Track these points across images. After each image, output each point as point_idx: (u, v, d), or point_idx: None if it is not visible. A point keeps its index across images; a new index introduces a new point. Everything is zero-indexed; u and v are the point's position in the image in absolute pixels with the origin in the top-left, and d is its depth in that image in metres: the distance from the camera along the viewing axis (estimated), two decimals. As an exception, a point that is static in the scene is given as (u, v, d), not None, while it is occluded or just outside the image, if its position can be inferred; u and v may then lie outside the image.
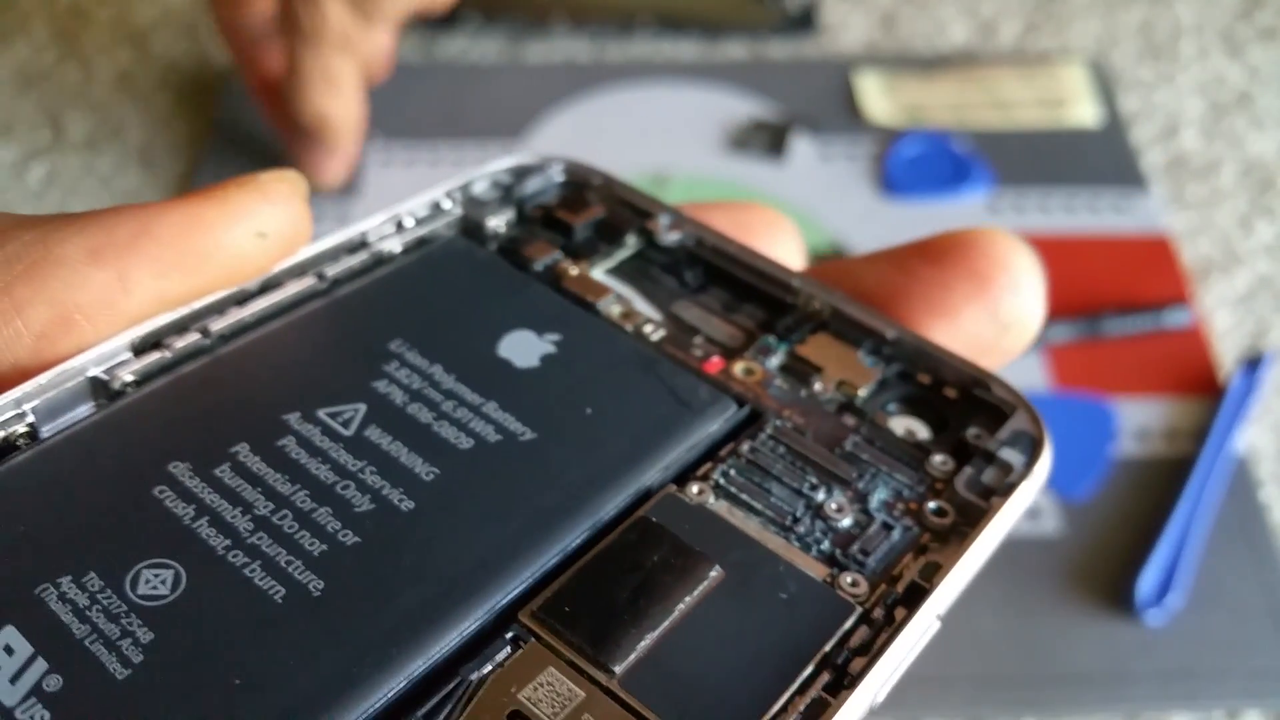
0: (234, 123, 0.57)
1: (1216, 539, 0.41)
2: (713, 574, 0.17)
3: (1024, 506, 0.19)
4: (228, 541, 0.17)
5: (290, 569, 0.17)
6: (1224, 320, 0.49)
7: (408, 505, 0.18)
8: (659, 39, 0.63)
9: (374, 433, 0.19)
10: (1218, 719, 0.38)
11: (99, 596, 0.16)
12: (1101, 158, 0.56)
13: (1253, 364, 0.47)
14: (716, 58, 0.62)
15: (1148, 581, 0.39)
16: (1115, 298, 0.49)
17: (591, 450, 0.19)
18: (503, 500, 0.18)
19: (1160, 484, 0.43)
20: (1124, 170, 0.56)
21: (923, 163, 0.55)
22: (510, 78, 0.61)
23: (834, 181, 0.55)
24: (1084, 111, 0.58)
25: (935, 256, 0.22)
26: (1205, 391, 0.46)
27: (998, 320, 0.22)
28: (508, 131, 0.57)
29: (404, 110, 0.58)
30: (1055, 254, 0.51)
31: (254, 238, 0.20)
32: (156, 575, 0.17)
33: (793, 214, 0.53)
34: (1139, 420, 0.45)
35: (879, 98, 0.59)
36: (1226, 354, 0.48)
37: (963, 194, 0.54)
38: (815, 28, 0.63)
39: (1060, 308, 0.49)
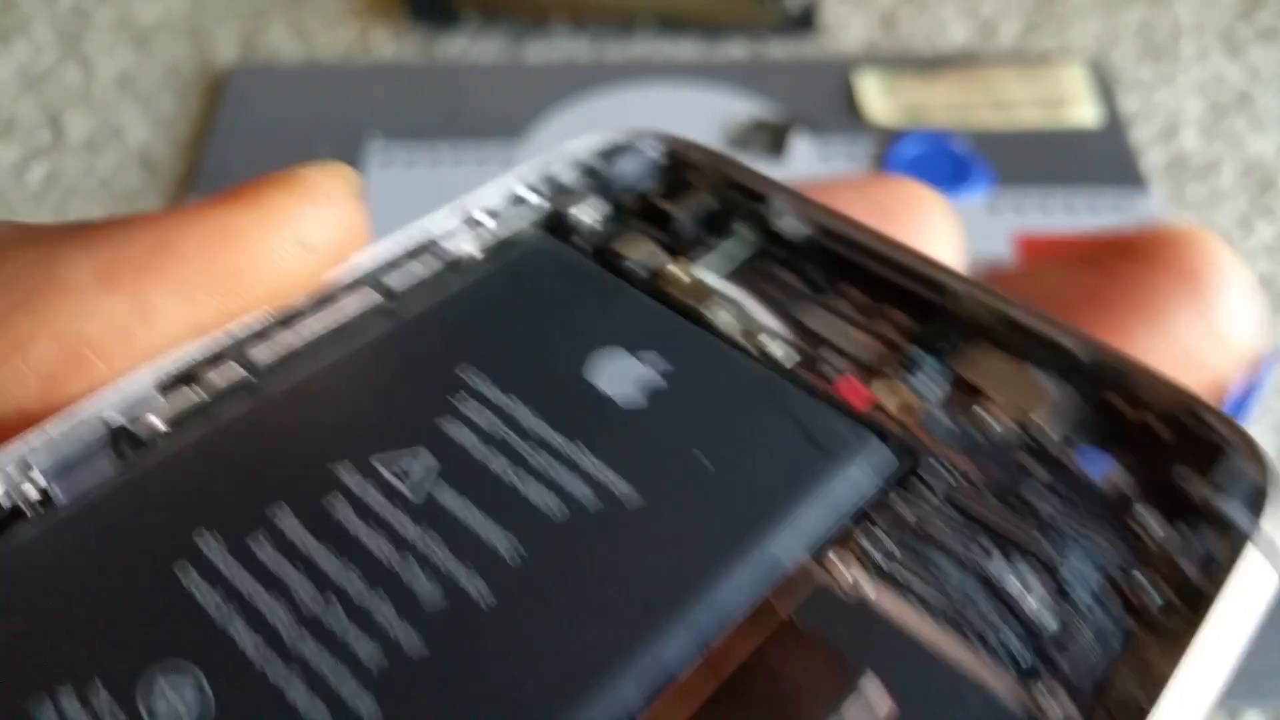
0: (235, 124, 0.57)
1: (1216, 539, 0.41)
2: (868, 689, 0.14)
3: (1273, 587, 0.15)
4: (259, 639, 0.14)
5: (338, 686, 0.13)
6: (1224, 320, 0.49)
7: (488, 601, 0.14)
8: (659, 39, 0.63)
9: (443, 492, 0.16)
10: (1218, 719, 0.38)
11: (107, 718, 0.13)
12: (1101, 158, 0.56)
13: (1253, 364, 0.47)
14: (716, 58, 0.62)
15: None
16: (1115, 298, 0.49)
17: (712, 519, 0.15)
18: (603, 591, 0.14)
19: (1160, 484, 0.43)
20: (1124, 170, 0.56)
21: (923, 163, 0.55)
22: (510, 78, 0.61)
23: (834, 181, 0.55)
24: (1084, 111, 0.58)
25: (1139, 254, 0.19)
26: (1205, 391, 0.46)
27: (1214, 330, 0.18)
28: (508, 131, 0.57)
29: (404, 110, 0.58)
30: (1056, 254, 0.51)
31: (297, 249, 0.17)
32: (174, 687, 0.13)
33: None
34: (1139, 420, 0.45)
35: (879, 98, 0.59)
36: (1226, 354, 0.48)
37: (963, 194, 0.54)
38: (815, 28, 0.63)
39: (1060, 308, 0.49)
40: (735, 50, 0.63)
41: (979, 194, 0.54)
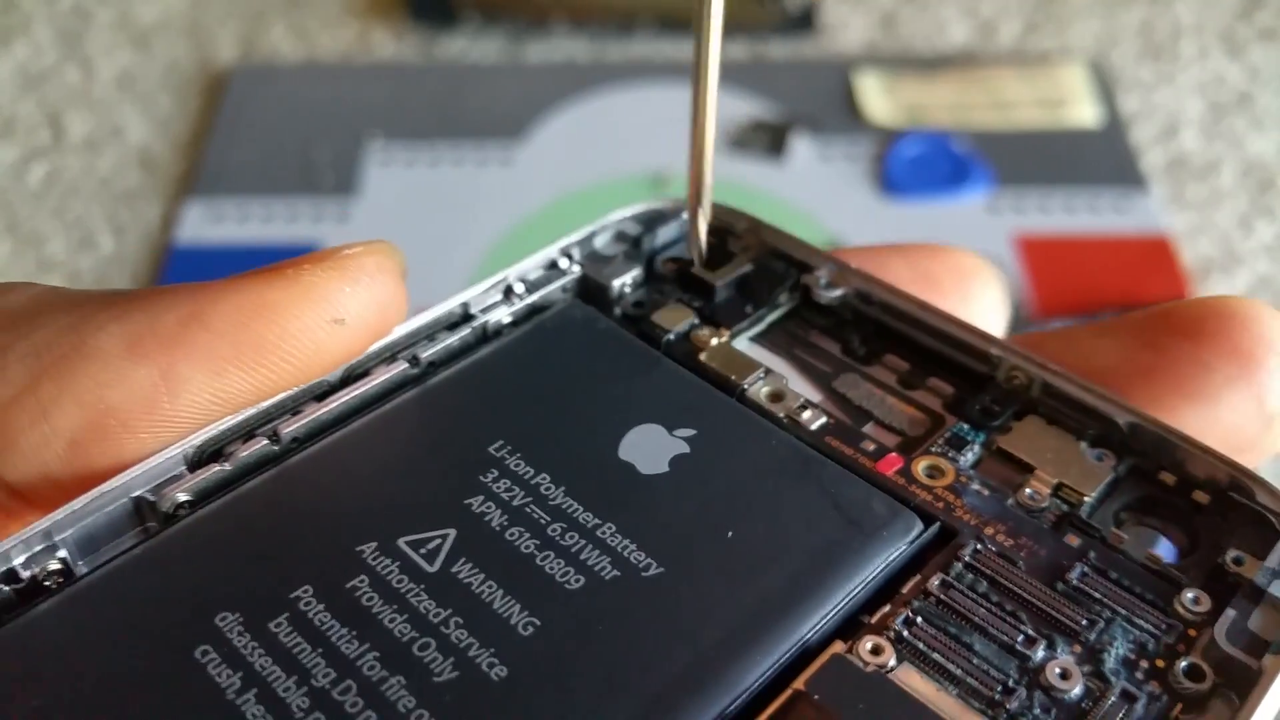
0: (235, 124, 0.57)
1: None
2: None
3: None
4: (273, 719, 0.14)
5: None
6: (1224, 320, 0.49)
7: (500, 672, 0.14)
8: (659, 39, 0.63)
9: (463, 568, 0.16)
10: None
11: None
12: (1101, 158, 0.56)
13: None
14: (716, 58, 0.62)
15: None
16: (1115, 298, 0.49)
17: (734, 591, 0.15)
18: (620, 665, 0.14)
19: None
20: (1124, 170, 0.56)
21: (923, 163, 0.55)
22: (510, 78, 0.61)
23: (834, 181, 0.55)
24: (1084, 111, 0.58)
25: (1187, 328, 0.18)
26: (1205, 391, 0.46)
27: (1264, 409, 0.18)
28: (508, 131, 0.57)
29: (404, 110, 0.58)
30: (1055, 254, 0.51)
31: (329, 325, 0.17)
32: None
33: (793, 214, 0.53)
34: (1139, 420, 0.45)
35: (879, 98, 0.59)
36: (1226, 354, 0.48)
37: (963, 194, 0.54)
38: (815, 28, 0.63)
39: (1060, 308, 0.49)
40: (735, 50, 0.63)
41: (979, 194, 0.54)
